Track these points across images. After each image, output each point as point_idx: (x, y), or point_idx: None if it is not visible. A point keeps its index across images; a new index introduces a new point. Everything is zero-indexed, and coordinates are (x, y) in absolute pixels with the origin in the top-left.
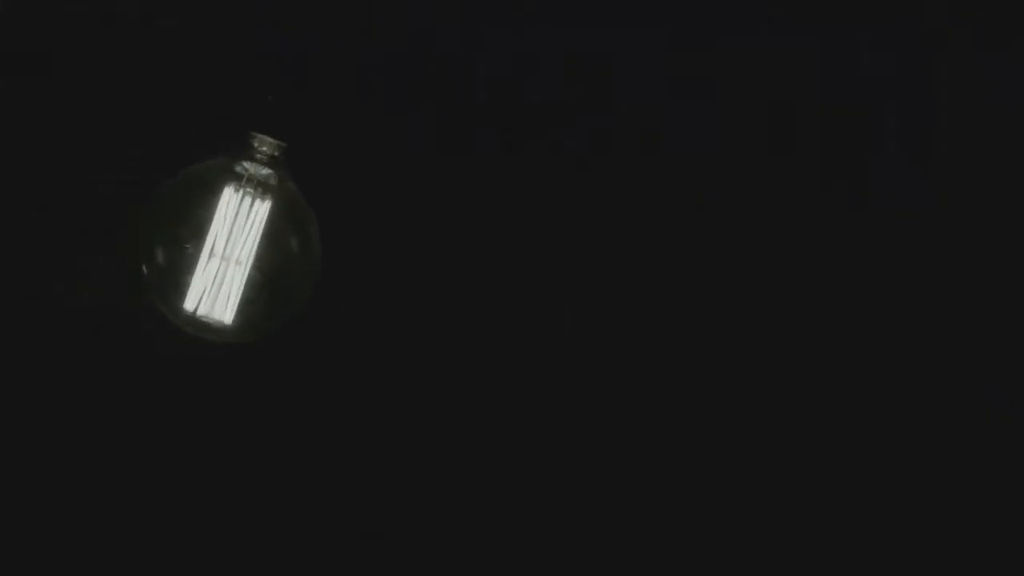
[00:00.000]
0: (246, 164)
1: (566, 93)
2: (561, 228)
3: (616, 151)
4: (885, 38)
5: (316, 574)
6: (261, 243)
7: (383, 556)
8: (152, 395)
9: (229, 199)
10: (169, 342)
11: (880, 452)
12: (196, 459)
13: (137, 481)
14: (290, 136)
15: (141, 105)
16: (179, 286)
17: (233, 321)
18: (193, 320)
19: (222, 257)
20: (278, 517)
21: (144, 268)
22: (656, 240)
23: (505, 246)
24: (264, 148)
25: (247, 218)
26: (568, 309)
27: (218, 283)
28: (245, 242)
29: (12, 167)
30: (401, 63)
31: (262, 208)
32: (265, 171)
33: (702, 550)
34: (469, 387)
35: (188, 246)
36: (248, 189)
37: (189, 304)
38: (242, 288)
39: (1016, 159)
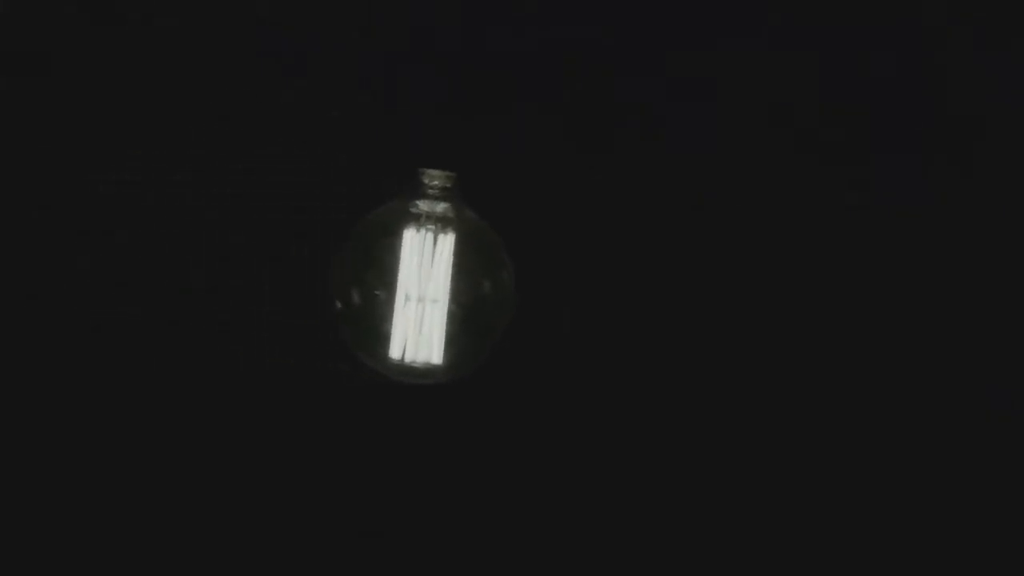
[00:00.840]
0: (420, 203)
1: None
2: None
3: None
4: (885, 38)
5: None
6: (453, 277)
7: None
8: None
9: (412, 240)
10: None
11: (880, 452)
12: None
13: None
14: (461, 166)
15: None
16: (379, 335)
17: (443, 360)
18: (402, 367)
19: (417, 299)
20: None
21: (340, 321)
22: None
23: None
24: (436, 183)
25: (433, 255)
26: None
27: (419, 325)
28: (437, 279)
29: (12, 167)
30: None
31: (446, 242)
32: (441, 206)
33: (701, 551)
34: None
35: (375, 293)
36: (428, 227)
37: (395, 352)
38: (444, 325)
39: (1016, 159)
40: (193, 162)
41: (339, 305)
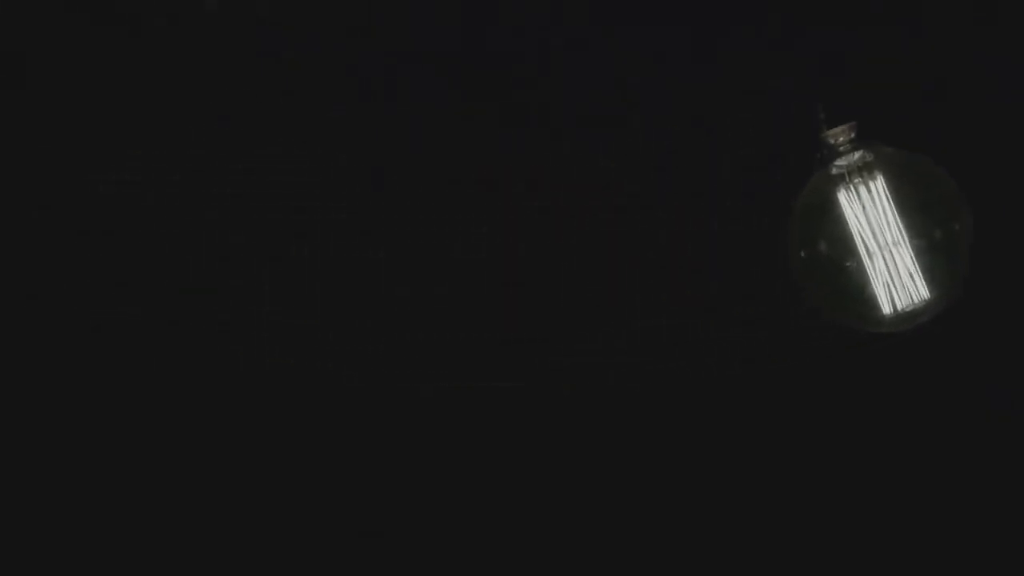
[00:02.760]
0: (839, 163)
1: None
2: None
3: None
4: (885, 37)
5: None
6: (901, 213)
7: None
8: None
9: (848, 200)
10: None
11: (879, 452)
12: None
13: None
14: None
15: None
16: (866, 300)
17: (931, 293)
18: (900, 317)
19: (881, 250)
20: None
21: (822, 305)
22: None
23: None
24: (841, 138)
25: (875, 204)
26: None
27: (895, 272)
28: (888, 224)
29: (12, 167)
30: None
31: (878, 185)
32: (856, 155)
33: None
34: None
35: (848, 265)
36: (857, 180)
37: (886, 307)
38: (914, 262)
39: (1016, 159)
40: (193, 162)
41: (813, 292)
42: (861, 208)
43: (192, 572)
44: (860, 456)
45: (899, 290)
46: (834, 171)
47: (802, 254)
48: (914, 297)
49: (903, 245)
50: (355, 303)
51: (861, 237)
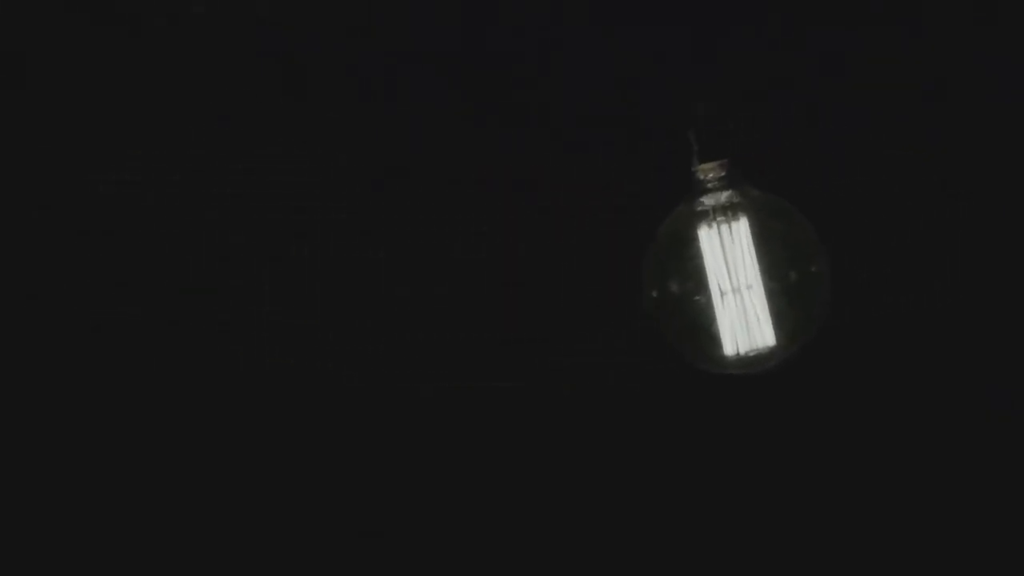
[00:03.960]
0: (705, 200)
1: None
2: None
3: None
4: (885, 38)
5: None
6: (759, 257)
7: None
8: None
9: (707, 237)
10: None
11: (879, 451)
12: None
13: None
14: (730, 151)
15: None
16: (709, 337)
17: (777, 340)
18: (742, 360)
19: (733, 291)
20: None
21: (668, 337)
22: None
23: None
24: (711, 175)
25: (734, 244)
26: None
27: (744, 315)
28: (745, 266)
29: (12, 167)
30: None
31: (741, 227)
32: (724, 195)
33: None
34: None
35: (699, 298)
36: (720, 218)
37: (729, 349)
38: (766, 307)
39: (1016, 159)
40: (193, 162)
41: (660, 320)
42: (720, 247)
43: (192, 572)
44: (861, 455)
45: (745, 334)
46: (699, 208)
47: (654, 285)
48: (758, 342)
49: (756, 289)
50: (355, 303)
51: (716, 276)
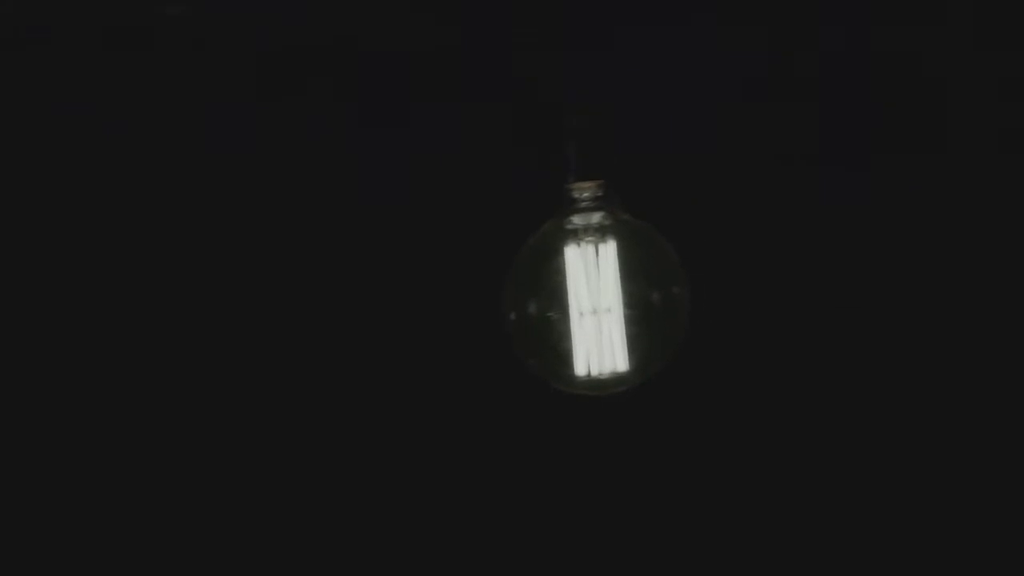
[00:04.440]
0: (574, 218)
1: None
2: None
3: None
4: (886, 38)
5: None
6: (621, 282)
7: None
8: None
9: (573, 256)
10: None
11: (879, 451)
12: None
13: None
14: (606, 172)
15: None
16: (562, 356)
17: (630, 366)
18: (592, 382)
19: (591, 312)
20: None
21: (520, 348)
22: None
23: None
24: (586, 194)
25: (598, 266)
26: None
27: (598, 338)
28: (606, 289)
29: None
30: None
31: (608, 250)
32: (595, 216)
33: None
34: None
35: (550, 316)
36: (588, 238)
37: (580, 369)
38: (623, 332)
39: (1016, 158)
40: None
41: (516, 333)
42: (583, 268)
43: (190, 572)
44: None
45: (598, 356)
46: (569, 226)
47: (515, 299)
48: (610, 366)
49: (615, 313)
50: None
51: (576, 296)
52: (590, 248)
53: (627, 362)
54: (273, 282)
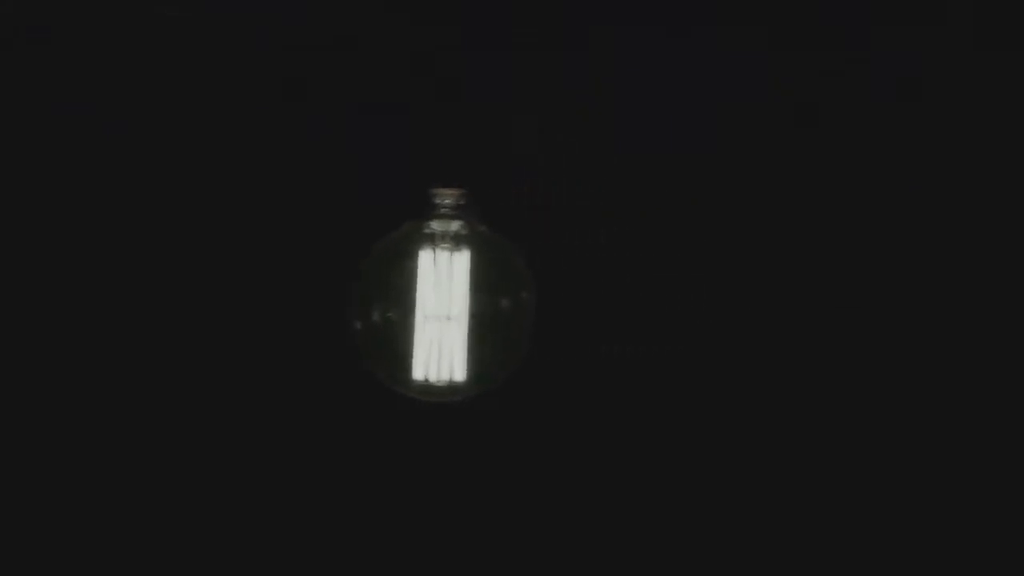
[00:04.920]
0: (433, 223)
1: None
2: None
3: None
4: (886, 38)
5: None
6: (470, 293)
7: None
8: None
9: (427, 260)
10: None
11: (877, 452)
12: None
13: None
14: (469, 182)
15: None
16: (401, 357)
17: (466, 376)
18: (426, 387)
19: (436, 318)
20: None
21: (361, 348)
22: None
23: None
24: (447, 201)
25: (449, 274)
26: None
27: (439, 344)
28: (454, 297)
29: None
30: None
31: (462, 259)
32: (455, 224)
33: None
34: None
35: (391, 316)
36: (443, 245)
37: (417, 373)
38: (464, 342)
39: (1016, 159)
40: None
41: (359, 329)
42: (435, 273)
43: (189, 571)
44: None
45: (437, 363)
46: (426, 230)
47: (362, 300)
48: (447, 375)
49: (461, 322)
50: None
51: (424, 301)
52: (444, 255)
53: (464, 372)
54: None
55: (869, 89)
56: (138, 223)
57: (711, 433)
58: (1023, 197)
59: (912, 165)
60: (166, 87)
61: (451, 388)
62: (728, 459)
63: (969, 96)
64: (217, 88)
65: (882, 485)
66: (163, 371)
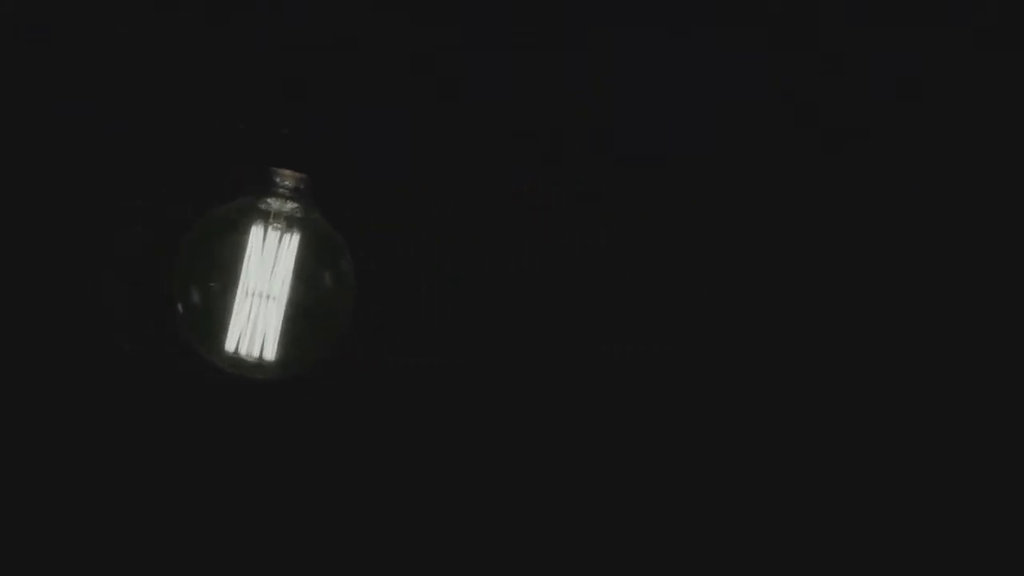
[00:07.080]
0: (270, 200)
1: None
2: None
3: None
4: (886, 38)
5: None
6: (294, 276)
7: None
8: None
9: (257, 237)
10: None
11: (877, 452)
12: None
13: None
14: (313, 167)
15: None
16: (217, 327)
17: (276, 356)
18: (235, 360)
19: (257, 295)
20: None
21: (180, 312)
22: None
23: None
24: (287, 182)
25: (277, 253)
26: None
27: (255, 321)
28: (277, 277)
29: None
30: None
31: (291, 242)
32: (290, 205)
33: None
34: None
35: (214, 285)
36: (276, 224)
37: (230, 345)
38: (280, 323)
39: (1016, 159)
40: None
41: (180, 293)
42: (262, 250)
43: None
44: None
45: (249, 338)
46: (263, 205)
47: (188, 259)
48: (256, 352)
49: (279, 303)
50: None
51: (248, 275)
52: (275, 234)
53: (274, 352)
54: None
55: (869, 89)
56: None
57: (711, 433)
58: (1023, 197)
59: (912, 165)
60: (166, 87)
61: (258, 366)
62: (728, 459)
63: (969, 96)
64: (217, 88)
65: (882, 485)
66: None
